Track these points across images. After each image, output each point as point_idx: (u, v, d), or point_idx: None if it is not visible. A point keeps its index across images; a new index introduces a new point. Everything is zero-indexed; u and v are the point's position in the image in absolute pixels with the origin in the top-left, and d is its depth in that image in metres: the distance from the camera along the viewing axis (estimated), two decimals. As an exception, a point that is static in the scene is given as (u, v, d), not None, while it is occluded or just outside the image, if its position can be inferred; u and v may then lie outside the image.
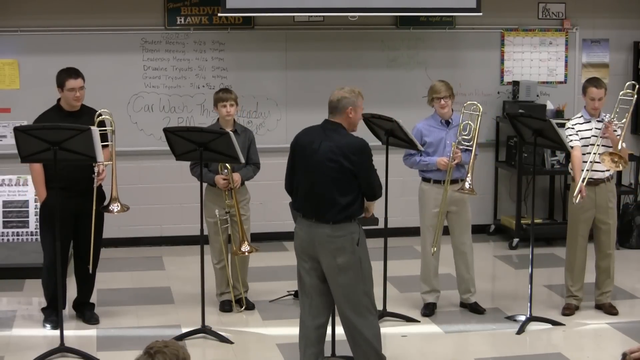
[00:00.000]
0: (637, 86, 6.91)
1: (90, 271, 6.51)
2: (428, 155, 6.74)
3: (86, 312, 6.66)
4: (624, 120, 6.74)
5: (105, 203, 6.40)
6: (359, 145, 5.26)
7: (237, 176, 6.74)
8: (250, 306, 6.97)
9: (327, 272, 5.29)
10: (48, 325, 6.49)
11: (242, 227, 6.69)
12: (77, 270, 6.67)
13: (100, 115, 6.31)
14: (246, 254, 6.74)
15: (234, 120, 6.91)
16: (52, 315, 6.46)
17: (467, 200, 6.82)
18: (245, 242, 6.68)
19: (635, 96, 6.84)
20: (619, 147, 6.59)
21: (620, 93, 6.88)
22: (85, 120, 6.23)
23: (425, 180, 6.82)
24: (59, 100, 6.50)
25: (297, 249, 5.41)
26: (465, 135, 6.72)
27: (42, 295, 6.66)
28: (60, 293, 6.04)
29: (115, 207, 6.29)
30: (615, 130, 6.65)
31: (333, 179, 5.21)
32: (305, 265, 5.37)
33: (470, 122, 6.75)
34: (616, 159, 6.55)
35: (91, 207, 6.30)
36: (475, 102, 6.88)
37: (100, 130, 6.19)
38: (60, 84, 6.41)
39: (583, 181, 6.56)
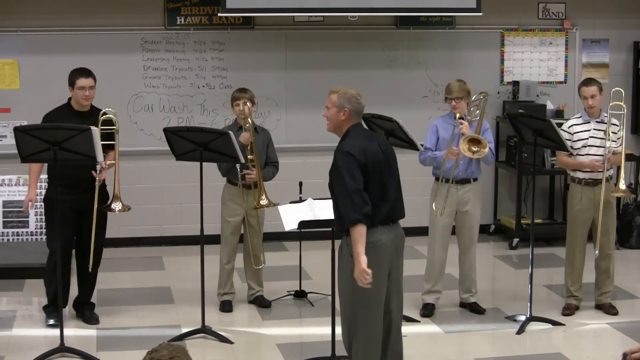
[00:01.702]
0: (622, 92, 6.89)
1: (90, 269, 6.49)
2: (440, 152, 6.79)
3: (86, 312, 6.66)
4: (619, 135, 6.70)
5: (108, 202, 6.41)
6: None
7: (255, 171, 6.67)
8: (266, 304, 6.98)
9: (396, 274, 5.09)
10: (51, 320, 6.46)
11: (261, 182, 6.60)
12: (78, 269, 6.67)
13: (105, 114, 6.30)
14: (264, 207, 6.64)
15: (251, 120, 6.86)
16: (54, 312, 6.44)
17: (478, 201, 6.85)
18: (264, 195, 6.59)
19: (624, 109, 6.78)
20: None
21: (609, 106, 6.68)
22: (94, 120, 6.23)
23: (437, 178, 6.83)
24: (69, 99, 6.51)
25: (382, 260, 4.96)
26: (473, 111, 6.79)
27: (42, 295, 6.67)
28: (61, 291, 6.03)
29: (116, 206, 6.28)
30: (617, 147, 6.64)
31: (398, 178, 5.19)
32: (384, 282, 5.03)
33: (478, 106, 6.79)
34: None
35: (94, 206, 6.30)
36: (485, 91, 6.92)
37: (106, 130, 6.20)
38: (72, 83, 6.42)
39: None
